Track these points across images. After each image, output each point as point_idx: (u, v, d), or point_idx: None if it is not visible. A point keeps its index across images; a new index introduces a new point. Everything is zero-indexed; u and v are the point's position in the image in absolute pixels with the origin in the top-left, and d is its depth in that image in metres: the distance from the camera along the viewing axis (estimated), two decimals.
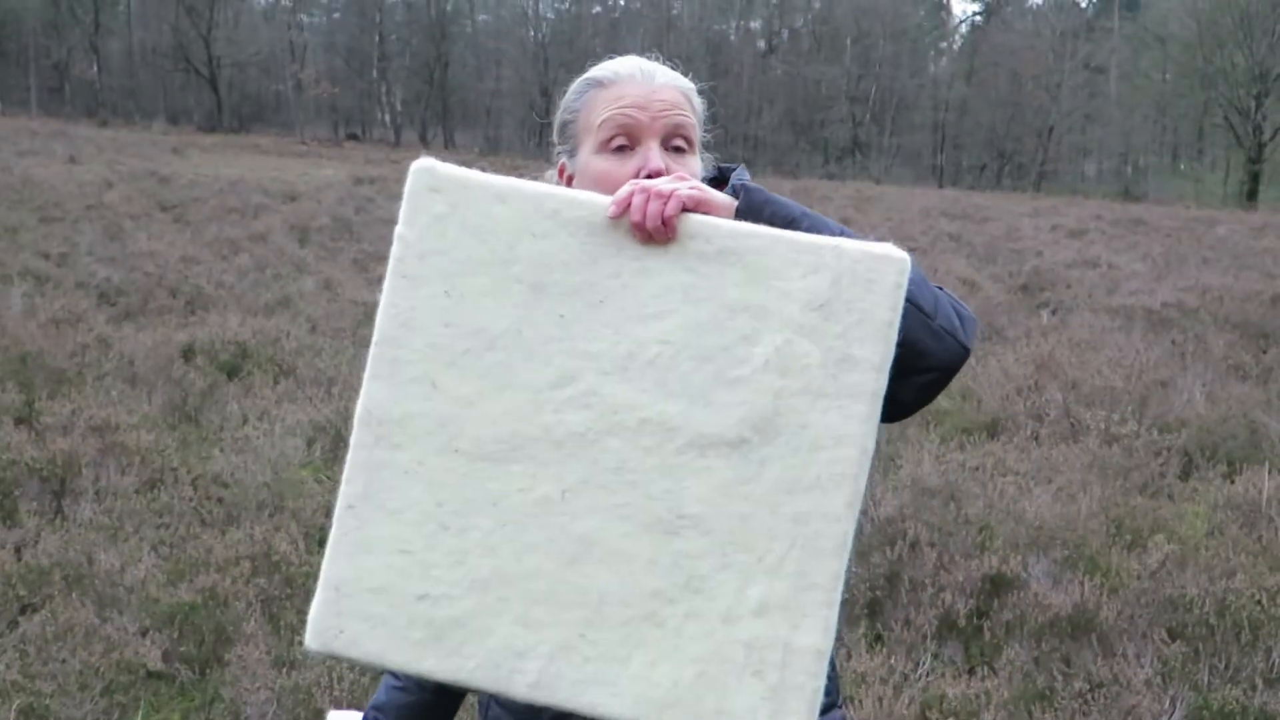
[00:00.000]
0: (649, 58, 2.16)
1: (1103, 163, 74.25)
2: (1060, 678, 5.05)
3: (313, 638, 1.80)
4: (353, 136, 70.95)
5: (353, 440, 1.81)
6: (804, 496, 1.75)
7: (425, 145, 68.67)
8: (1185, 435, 8.77)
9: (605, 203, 1.79)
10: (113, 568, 5.48)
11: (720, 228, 1.78)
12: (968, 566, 5.90)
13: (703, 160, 2.20)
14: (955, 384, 10.22)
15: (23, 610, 5.19)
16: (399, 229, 1.83)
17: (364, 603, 1.78)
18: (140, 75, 73.39)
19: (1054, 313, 14.79)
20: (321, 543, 6.36)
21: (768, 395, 1.75)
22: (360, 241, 19.16)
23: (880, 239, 2.20)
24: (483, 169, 1.91)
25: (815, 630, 1.74)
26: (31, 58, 67.95)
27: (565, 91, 2.18)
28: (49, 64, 69.46)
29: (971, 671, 5.15)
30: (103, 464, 6.90)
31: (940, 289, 1.95)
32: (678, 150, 2.08)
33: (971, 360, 11.09)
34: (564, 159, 2.17)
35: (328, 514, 6.57)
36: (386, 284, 1.83)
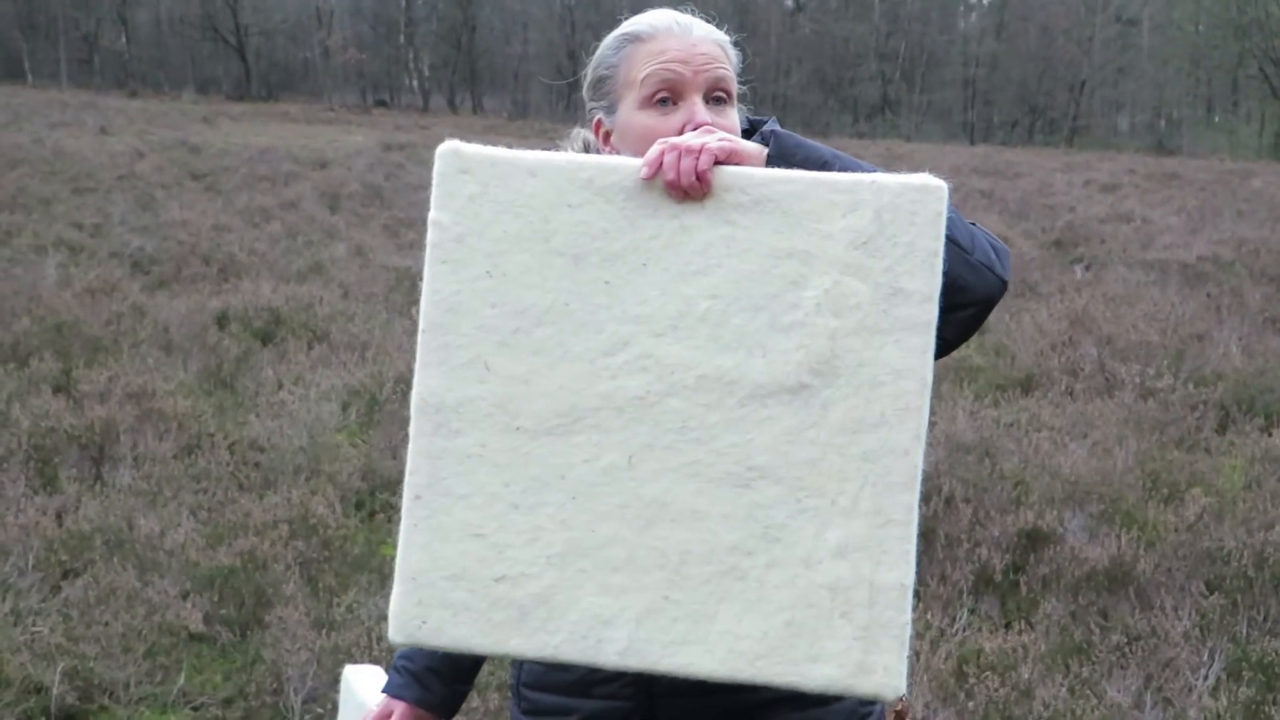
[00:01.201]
0: (683, 11, 2.15)
1: (1135, 116, 73.55)
2: (1097, 631, 5.05)
3: (396, 630, 1.80)
4: (381, 103, 70.91)
5: (411, 430, 1.80)
6: (870, 434, 1.74)
7: (454, 110, 68.67)
8: (1221, 389, 8.72)
9: (637, 165, 1.77)
10: (153, 532, 5.53)
11: (754, 177, 1.77)
12: (1003, 522, 5.89)
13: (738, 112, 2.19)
14: (989, 340, 10.21)
15: (65, 575, 5.24)
16: (432, 214, 1.81)
17: (443, 590, 1.78)
18: (169, 45, 73.52)
19: (1088, 268, 14.70)
20: (358, 505, 6.42)
21: (823, 337, 1.73)
22: (391, 207, 19.19)
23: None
24: (509, 144, 1.90)
25: (897, 565, 1.73)
26: (61, 30, 68.17)
27: (597, 47, 2.15)
28: (78, 35, 69.66)
29: (1008, 626, 5.15)
30: (140, 430, 6.96)
31: (974, 225, 1.94)
32: (719, 102, 2.06)
33: (1005, 316, 11.06)
34: (600, 115, 2.13)
35: (363, 477, 6.65)
36: (426, 270, 1.81)
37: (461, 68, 73.84)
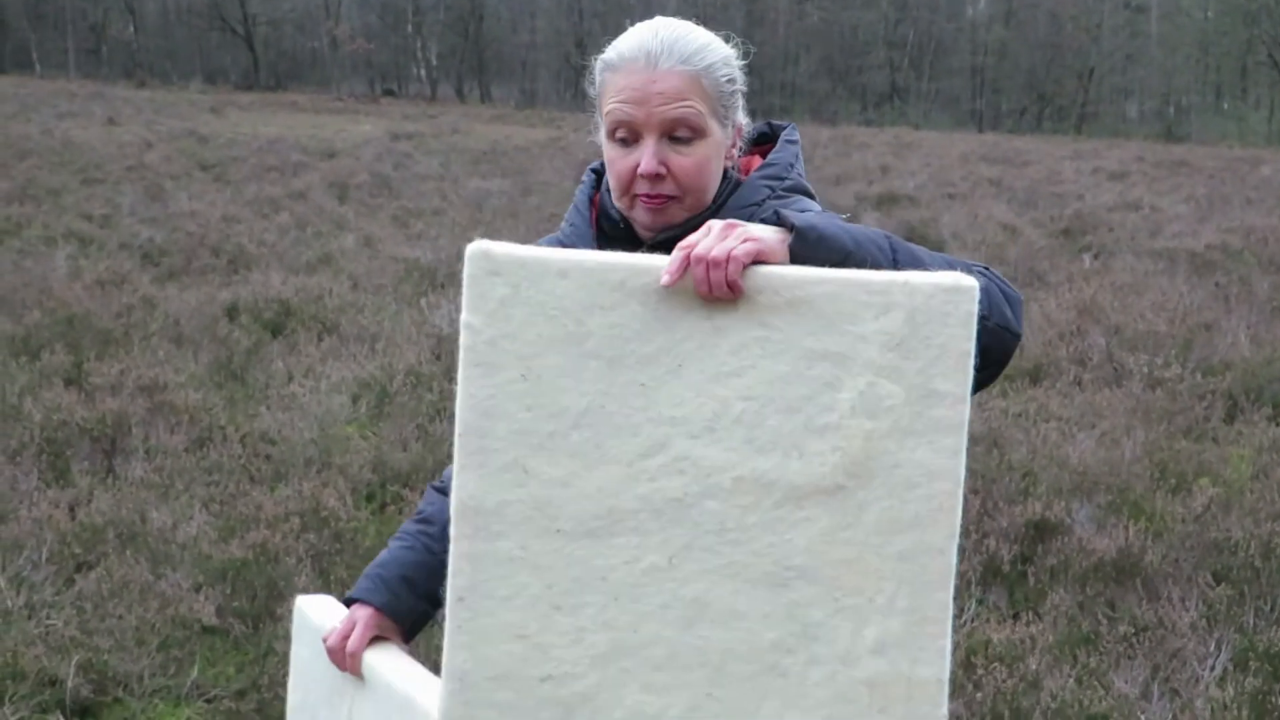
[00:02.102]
0: (678, 16, 2.16)
1: (1144, 104, 73.40)
2: (1105, 622, 5.07)
3: None
4: (389, 92, 70.96)
5: (452, 532, 1.81)
6: (905, 534, 1.76)
7: (461, 100, 68.58)
8: (1230, 378, 8.72)
9: (671, 268, 1.76)
10: (165, 525, 5.57)
11: (787, 278, 1.76)
12: (1011, 512, 5.91)
13: (744, 120, 2.21)
14: None
15: (78, 568, 5.28)
16: (465, 317, 1.79)
17: (489, 691, 1.80)
18: (176, 35, 73.54)
19: (1096, 257, 14.69)
20: (369, 498, 6.45)
21: (858, 440, 1.75)
22: (399, 198, 19.21)
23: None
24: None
25: (933, 661, 1.77)
26: (69, 19, 68.21)
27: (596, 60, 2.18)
28: (86, 25, 69.72)
29: (1016, 617, 5.17)
30: (152, 423, 6.99)
31: (986, 270, 1.94)
32: (680, 140, 2.08)
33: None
34: (599, 131, 2.18)
35: (374, 469, 6.68)
36: (461, 373, 1.80)
37: (469, 57, 73.79)
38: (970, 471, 6.24)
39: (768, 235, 1.79)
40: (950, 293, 1.74)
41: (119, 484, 6.23)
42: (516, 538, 1.80)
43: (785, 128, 2.27)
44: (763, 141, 2.31)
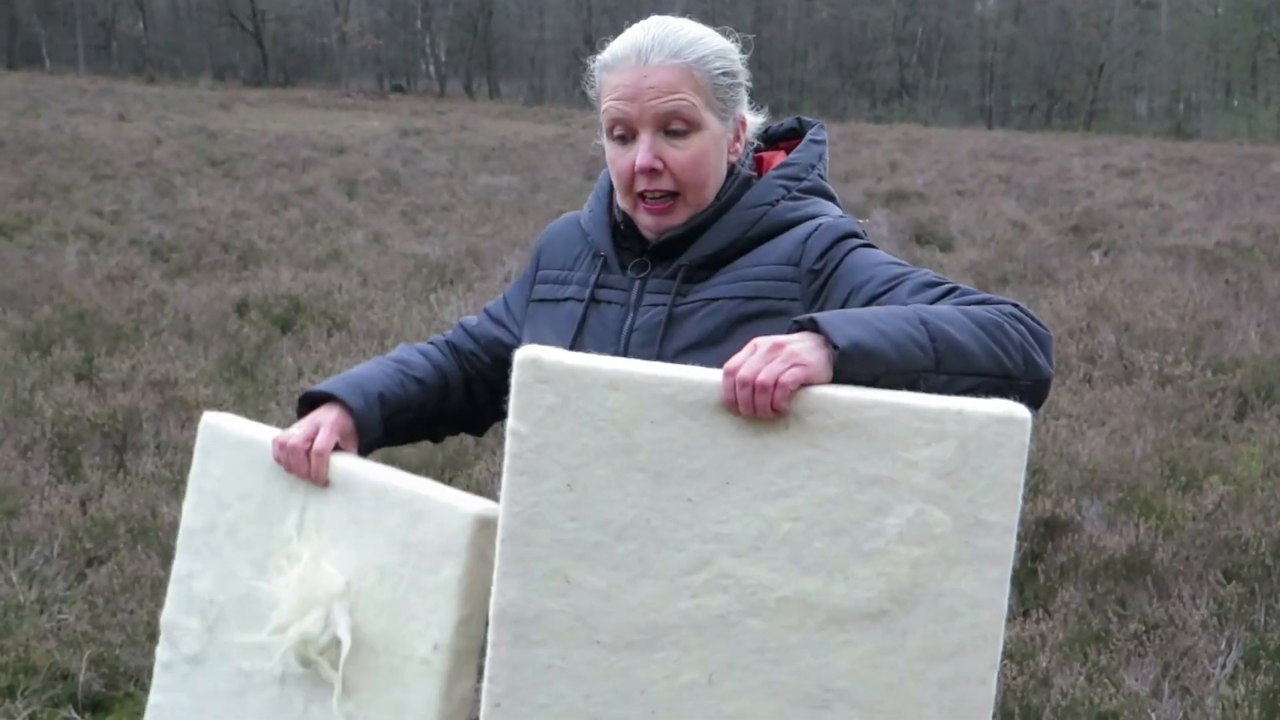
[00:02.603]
0: (672, 13, 2.17)
1: (1154, 100, 73.25)
2: (1115, 620, 5.06)
3: None
4: (398, 88, 70.89)
5: (490, 638, 1.81)
6: (947, 663, 1.75)
7: (470, 96, 68.59)
8: (1240, 376, 8.71)
9: (717, 384, 1.76)
10: (176, 520, 5.55)
11: (840, 401, 1.75)
12: (1021, 510, 5.89)
13: (751, 115, 2.21)
14: None
15: (90, 563, 5.29)
16: (511, 423, 1.79)
17: None
18: (186, 31, 73.63)
19: (1106, 254, 14.66)
20: None
21: (904, 566, 1.74)
22: (408, 194, 19.21)
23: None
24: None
25: None
26: (78, 15, 68.26)
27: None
28: (95, 21, 69.76)
29: (1026, 614, 5.16)
30: (162, 418, 7.00)
31: (1015, 307, 1.93)
32: (676, 133, 2.09)
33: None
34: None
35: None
36: (505, 480, 1.80)
37: (478, 53, 73.79)
38: None
39: (814, 360, 1.76)
40: (1003, 423, 1.73)
41: (130, 479, 6.23)
42: (556, 647, 1.79)
43: (814, 126, 2.26)
44: (791, 138, 2.31)
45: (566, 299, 2.25)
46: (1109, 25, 66.60)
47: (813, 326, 1.79)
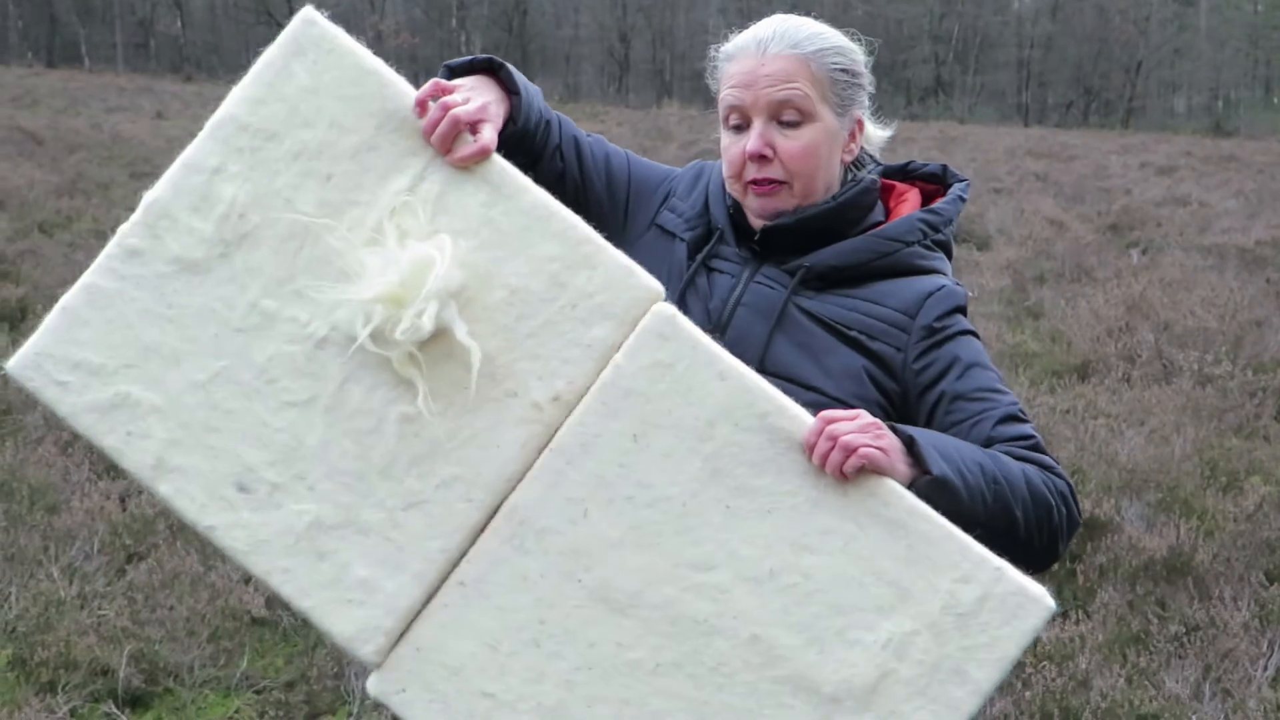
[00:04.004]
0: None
1: (1192, 98, 72.69)
2: (1155, 621, 5.03)
3: (376, 683, 1.84)
4: None
5: (490, 525, 1.83)
6: None
7: None
8: None
9: (808, 425, 1.81)
10: None
11: (902, 501, 1.80)
12: None
13: (873, 123, 2.26)
14: (1044, 326, 10.14)
15: (130, 559, 5.32)
16: (618, 356, 1.84)
17: (435, 675, 1.82)
18: (223, 30, 73.99)
19: (1144, 252, 14.56)
20: None
21: (875, 671, 1.78)
22: None
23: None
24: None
25: None
26: (117, 14, 68.74)
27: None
28: (134, 20, 70.19)
29: (1065, 615, 5.13)
30: None
31: (1067, 492, 2.01)
32: (788, 123, 2.11)
33: (1061, 301, 10.99)
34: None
35: None
36: (585, 399, 1.84)
37: (513, 51, 73.76)
38: None
39: (897, 459, 1.84)
40: (1029, 600, 1.78)
41: None
42: (542, 564, 1.82)
43: (961, 181, 2.28)
44: (931, 180, 2.33)
45: (680, 239, 2.25)
46: (1147, 22, 66.10)
47: (910, 444, 1.87)
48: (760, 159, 2.11)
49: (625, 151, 2.38)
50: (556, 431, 1.84)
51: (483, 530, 1.85)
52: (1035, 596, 1.78)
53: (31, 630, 4.60)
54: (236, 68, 1.96)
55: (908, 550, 1.78)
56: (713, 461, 1.81)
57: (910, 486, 1.83)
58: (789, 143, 2.11)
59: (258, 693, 4.54)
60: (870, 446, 1.79)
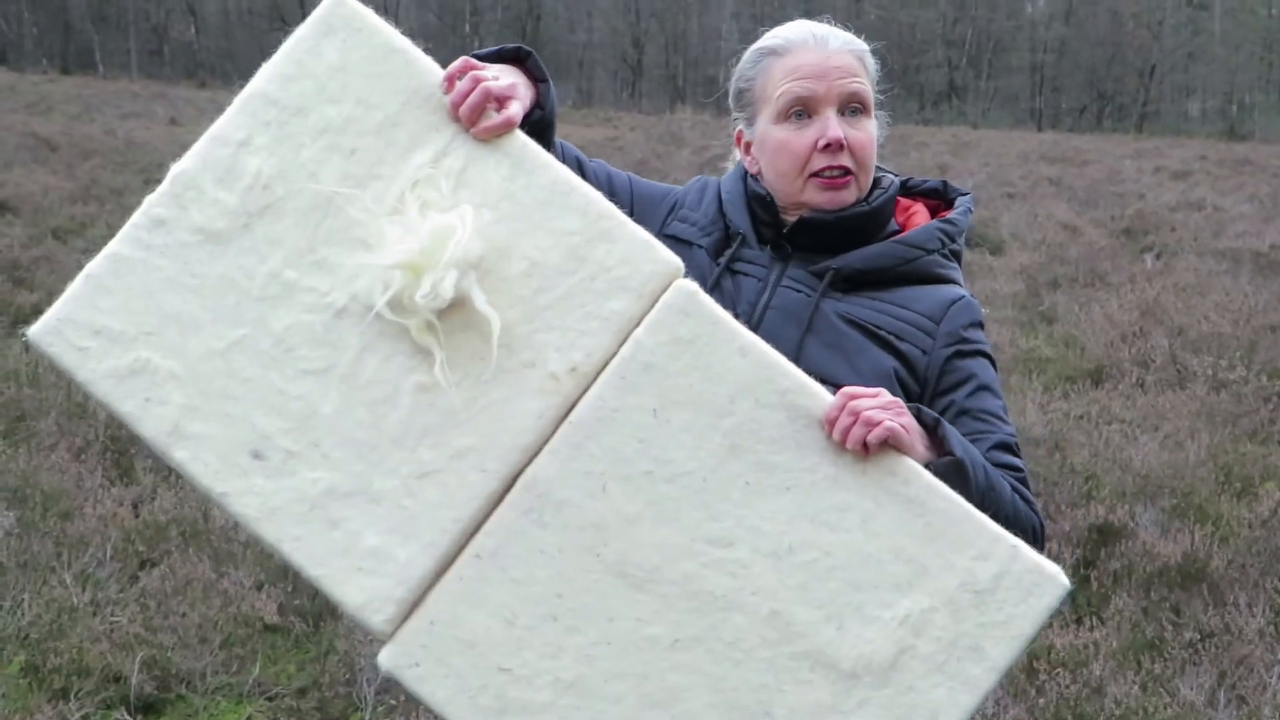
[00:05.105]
0: (822, 20, 2.20)
1: (1207, 102, 72.45)
2: (1170, 628, 5.01)
3: (388, 656, 1.83)
4: None
5: (507, 497, 1.83)
6: None
7: None
8: None
9: (827, 403, 1.83)
10: (227, 524, 5.60)
11: (921, 479, 1.82)
12: (1074, 516, 5.85)
13: (876, 119, 2.25)
14: (1058, 331, 10.12)
15: (142, 565, 5.33)
16: (638, 331, 1.85)
17: (450, 649, 1.82)
18: (237, 36, 74.13)
19: (1158, 257, 14.52)
20: None
21: (893, 647, 1.79)
22: None
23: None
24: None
25: None
26: (131, 21, 68.92)
27: (738, 60, 2.25)
28: (148, 27, 70.39)
29: (1079, 622, 5.12)
30: None
31: (1038, 530, 2.09)
32: (854, 113, 2.15)
33: (1075, 306, 10.97)
34: (741, 126, 2.25)
35: None
36: (605, 374, 1.84)
37: None
38: (1032, 474, 6.19)
39: (919, 444, 1.88)
40: (1045, 578, 1.81)
41: (182, 482, 6.26)
42: (560, 538, 1.82)
43: (963, 195, 2.31)
44: (932, 196, 2.36)
45: (698, 246, 2.26)
46: (1161, 26, 65.96)
47: (935, 426, 1.92)
48: (838, 147, 2.12)
49: (627, 173, 2.42)
50: (574, 403, 1.85)
51: (497, 502, 1.85)
52: (1051, 575, 1.80)
53: (44, 637, 4.61)
54: (250, 74, 1.99)
55: (925, 528, 1.79)
56: (732, 437, 1.82)
57: (927, 468, 1.85)
58: (858, 134, 2.14)
59: (270, 699, 4.54)
60: (891, 420, 1.81)
